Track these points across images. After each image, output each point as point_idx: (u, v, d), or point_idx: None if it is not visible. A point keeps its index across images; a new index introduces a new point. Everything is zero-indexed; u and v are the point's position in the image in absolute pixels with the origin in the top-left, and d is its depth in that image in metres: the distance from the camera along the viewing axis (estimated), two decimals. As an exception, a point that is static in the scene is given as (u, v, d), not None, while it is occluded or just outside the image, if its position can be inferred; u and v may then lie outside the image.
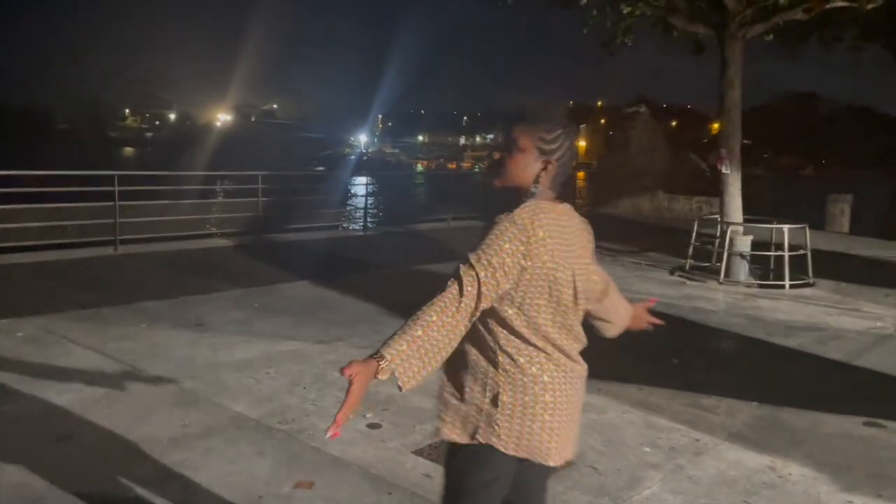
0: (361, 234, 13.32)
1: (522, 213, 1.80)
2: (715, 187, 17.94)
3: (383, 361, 1.67)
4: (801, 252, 8.84)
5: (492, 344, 1.84)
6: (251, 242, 11.00)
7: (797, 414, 4.48)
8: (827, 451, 3.93)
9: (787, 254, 8.67)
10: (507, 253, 1.75)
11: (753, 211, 9.83)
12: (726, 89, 9.01)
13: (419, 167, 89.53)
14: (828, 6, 8.06)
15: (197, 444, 3.75)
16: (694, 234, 9.61)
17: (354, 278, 8.49)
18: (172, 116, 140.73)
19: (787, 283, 8.61)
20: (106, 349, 5.29)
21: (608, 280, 2.16)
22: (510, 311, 1.81)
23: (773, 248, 9.12)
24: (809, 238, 9.02)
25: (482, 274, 1.74)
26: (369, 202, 17.46)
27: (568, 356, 1.90)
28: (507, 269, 1.75)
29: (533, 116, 1.96)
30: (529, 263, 1.77)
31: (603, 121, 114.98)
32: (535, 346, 1.83)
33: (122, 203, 9.86)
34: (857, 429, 4.26)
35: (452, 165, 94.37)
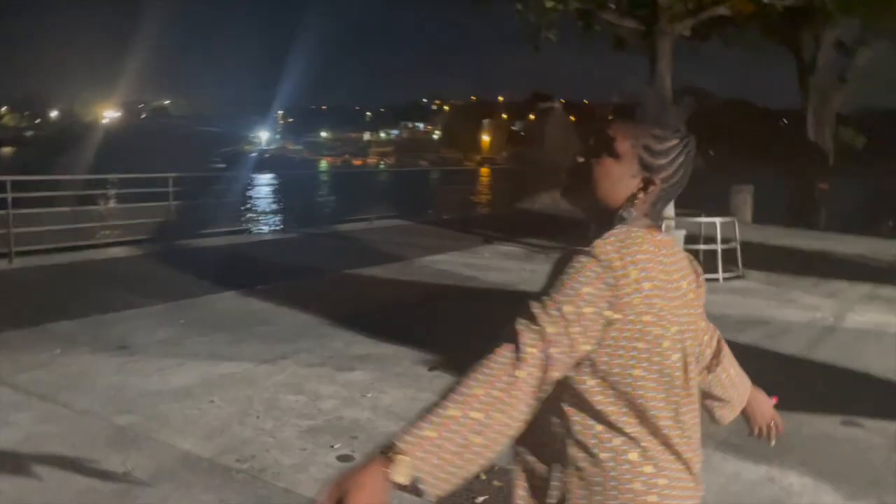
0: (282, 236, 12.67)
1: (607, 244, 1.29)
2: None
3: (396, 454, 1.15)
4: (732, 245, 8.98)
5: (559, 430, 1.31)
6: (164, 250, 10.19)
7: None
8: (818, 456, 3.83)
9: (719, 247, 8.78)
10: (586, 300, 1.24)
11: (676, 203, 9.93)
12: (657, 82, 9.03)
13: (324, 164, 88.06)
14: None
15: (146, 495, 3.23)
16: (627, 230, 9.60)
17: (286, 286, 7.95)
18: (55, 114, 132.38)
19: (720, 276, 8.71)
20: (18, 382, 4.61)
21: (718, 336, 1.62)
22: (590, 383, 1.29)
23: (702, 241, 9.22)
24: (722, 229, 9.15)
25: (550, 330, 1.23)
26: (282, 202, 16.79)
27: (686, 465, 1.34)
28: (585, 322, 1.24)
29: (642, 111, 1.52)
30: (618, 316, 1.26)
31: (505, 116, 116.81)
32: (629, 437, 1.30)
33: (15, 211, 8.89)
34: (837, 430, 4.21)
35: (359, 161, 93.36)
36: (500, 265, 9.73)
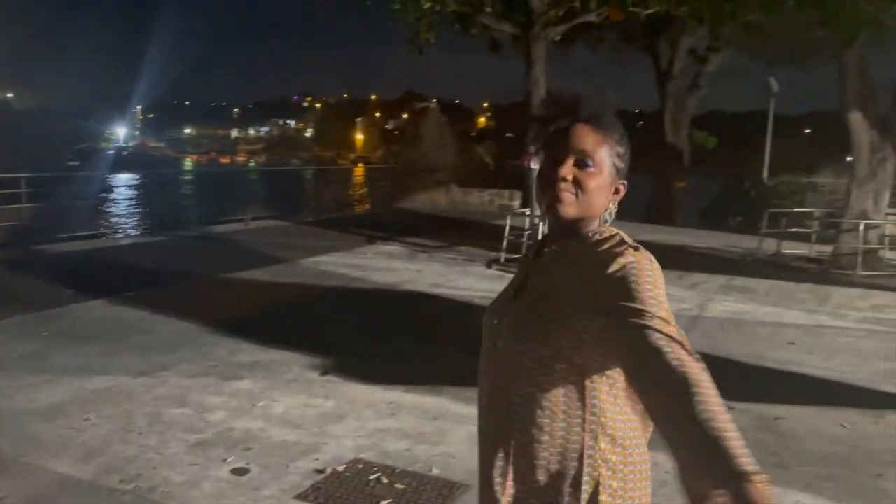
0: (150, 240, 11.99)
1: (629, 241, 1.33)
2: (500, 180, 18.74)
3: (760, 478, 1.00)
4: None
5: (594, 426, 1.32)
6: (19, 256, 9.39)
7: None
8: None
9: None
10: (665, 296, 1.28)
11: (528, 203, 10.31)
12: (532, 88, 9.33)
13: (188, 162, 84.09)
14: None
15: (21, 528, 2.97)
16: (507, 228, 9.87)
17: (159, 293, 7.54)
18: None
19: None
20: None
21: None
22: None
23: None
24: None
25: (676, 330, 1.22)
26: (146, 203, 15.90)
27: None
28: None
29: (600, 116, 1.41)
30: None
31: (378, 114, 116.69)
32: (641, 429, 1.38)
33: None
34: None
35: (226, 160, 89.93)
36: (385, 265, 9.71)
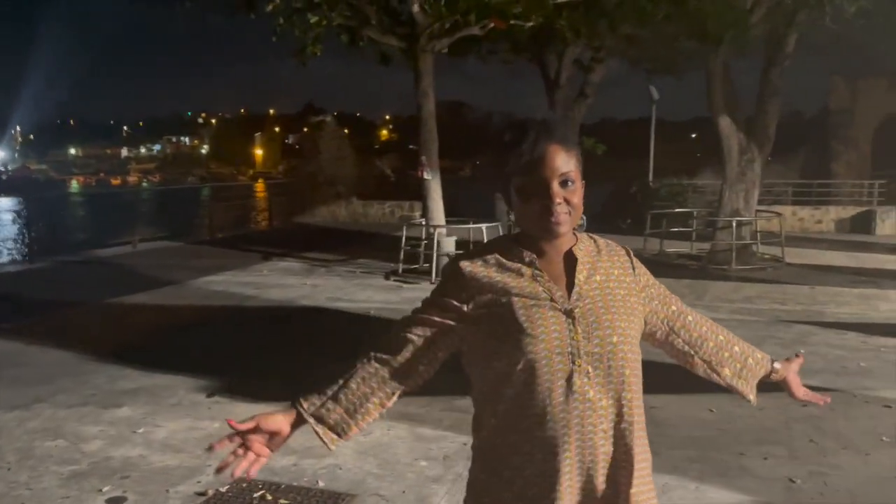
0: (28, 267, 11.32)
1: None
2: (401, 192, 18.87)
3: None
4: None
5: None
6: None
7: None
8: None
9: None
10: None
11: (447, 212, 10.48)
12: (421, 100, 9.46)
13: (75, 184, 79.84)
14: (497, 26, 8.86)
15: None
16: (403, 239, 9.94)
17: (39, 322, 7.16)
18: None
19: (489, 277, 9.32)
20: None
21: None
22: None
23: (472, 245, 9.82)
24: (494, 233, 9.90)
25: None
26: (23, 229, 15.01)
27: None
28: None
29: (566, 135, 1.48)
30: None
31: (277, 129, 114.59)
32: None
33: None
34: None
35: (117, 181, 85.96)
36: (280, 282, 9.57)
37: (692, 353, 1.72)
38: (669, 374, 5.39)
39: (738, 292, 8.45)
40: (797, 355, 1.89)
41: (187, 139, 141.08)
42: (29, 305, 8.01)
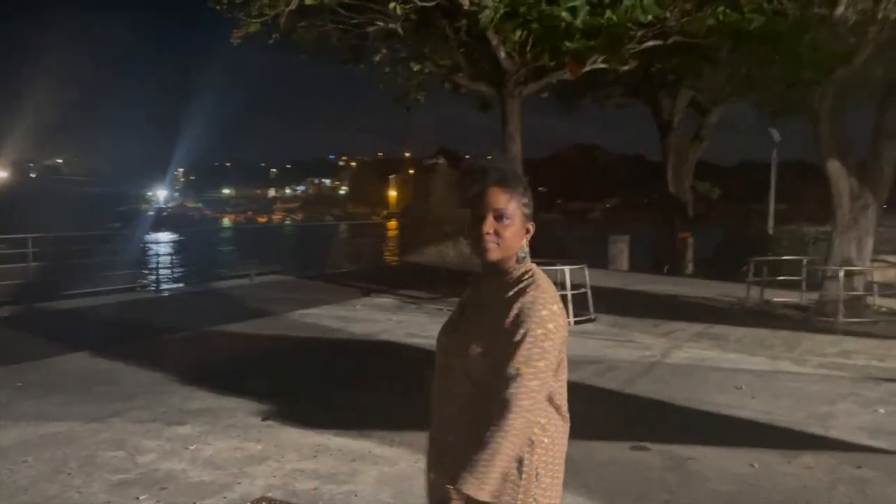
0: (154, 296, 12.45)
1: (540, 287, 1.76)
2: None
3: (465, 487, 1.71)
4: (582, 290, 9.56)
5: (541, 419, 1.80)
6: (19, 313, 9.88)
7: (573, 445, 4.75)
8: (601, 478, 4.20)
9: (569, 292, 9.32)
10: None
11: (551, 254, 10.53)
12: (507, 143, 9.64)
13: (226, 221, 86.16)
14: (585, 69, 8.91)
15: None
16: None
17: (140, 345, 7.89)
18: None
19: (571, 319, 9.22)
20: None
21: None
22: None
23: (557, 287, 9.77)
24: (593, 277, 9.80)
25: None
26: (163, 261, 16.47)
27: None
28: None
29: (506, 178, 1.79)
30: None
31: (411, 171, 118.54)
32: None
33: None
34: (624, 453, 4.61)
35: (263, 219, 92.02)
36: (368, 316, 9.95)
37: None
38: (715, 425, 5.17)
39: (836, 346, 7.88)
40: None
41: (328, 181, 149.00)
42: (137, 330, 8.83)
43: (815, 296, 10.48)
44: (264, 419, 5.28)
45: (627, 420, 5.38)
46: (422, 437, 1.94)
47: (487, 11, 7.46)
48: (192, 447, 4.69)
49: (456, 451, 1.71)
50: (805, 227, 15.67)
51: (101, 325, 9.27)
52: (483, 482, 1.61)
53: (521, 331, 1.67)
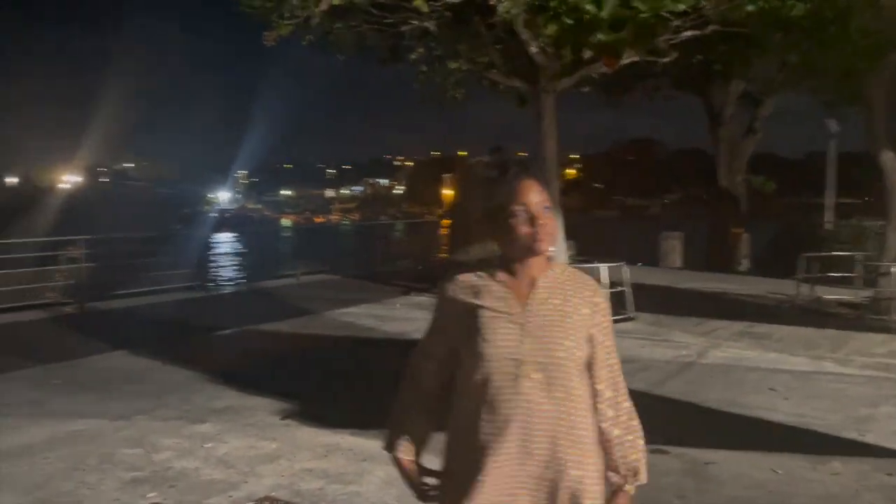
0: (202, 295, 12.73)
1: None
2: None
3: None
4: (620, 289, 9.34)
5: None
6: (76, 312, 10.25)
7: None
8: (611, 483, 4.06)
9: (607, 291, 9.11)
10: None
11: (601, 252, 10.41)
12: (543, 140, 9.46)
13: (286, 222, 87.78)
14: (623, 62, 8.64)
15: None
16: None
17: (179, 344, 8.06)
18: (15, 179, 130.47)
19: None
20: None
21: None
22: None
23: (601, 285, 9.58)
24: (642, 274, 9.57)
25: None
26: (213, 261, 16.82)
27: None
28: None
29: (538, 172, 1.80)
30: None
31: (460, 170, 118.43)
32: None
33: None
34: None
35: (319, 219, 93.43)
36: (406, 315, 9.95)
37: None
38: (743, 428, 4.95)
39: (885, 346, 7.48)
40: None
41: (385, 181, 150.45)
42: (179, 329, 9.04)
43: (870, 293, 10.00)
44: (283, 418, 5.32)
45: (651, 422, 5.16)
46: (437, 439, 1.86)
47: (506, 3, 7.33)
48: (207, 445, 4.75)
49: (570, 459, 1.65)
50: (865, 221, 14.98)
51: (146, 324, 9.52)
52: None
53: (605, 322, 1.74)
